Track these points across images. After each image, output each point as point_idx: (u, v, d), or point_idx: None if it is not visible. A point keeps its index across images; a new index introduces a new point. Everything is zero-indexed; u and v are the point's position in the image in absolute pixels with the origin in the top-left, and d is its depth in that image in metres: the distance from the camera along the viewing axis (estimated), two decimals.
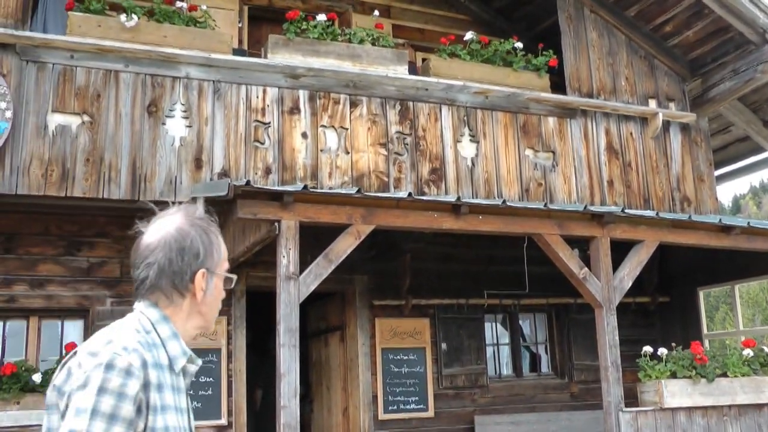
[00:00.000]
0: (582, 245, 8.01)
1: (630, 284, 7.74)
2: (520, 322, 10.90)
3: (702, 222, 8.30)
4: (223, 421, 8.44)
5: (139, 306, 2.15)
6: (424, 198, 7.26)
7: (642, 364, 7.61)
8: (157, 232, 2.16)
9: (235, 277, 2.29)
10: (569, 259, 7.44)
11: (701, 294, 11.14)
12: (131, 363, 1.88)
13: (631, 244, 7.97)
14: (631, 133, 9.95)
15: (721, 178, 12.77)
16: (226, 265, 2.25)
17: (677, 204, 9.92)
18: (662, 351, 7.63)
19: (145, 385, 1.90)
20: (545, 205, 7.51)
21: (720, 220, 8.50)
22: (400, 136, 8.51)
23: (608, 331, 7.44)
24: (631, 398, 7.83)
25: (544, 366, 10.97)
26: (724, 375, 7.88)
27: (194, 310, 2.16)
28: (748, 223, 8.70)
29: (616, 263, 7.78)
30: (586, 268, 7.50)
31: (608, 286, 7.52)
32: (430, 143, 8.64)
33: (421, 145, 8.58)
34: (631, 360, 7.92)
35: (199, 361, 2.18)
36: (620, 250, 7.95)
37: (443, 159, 8.64)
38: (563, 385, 10.64)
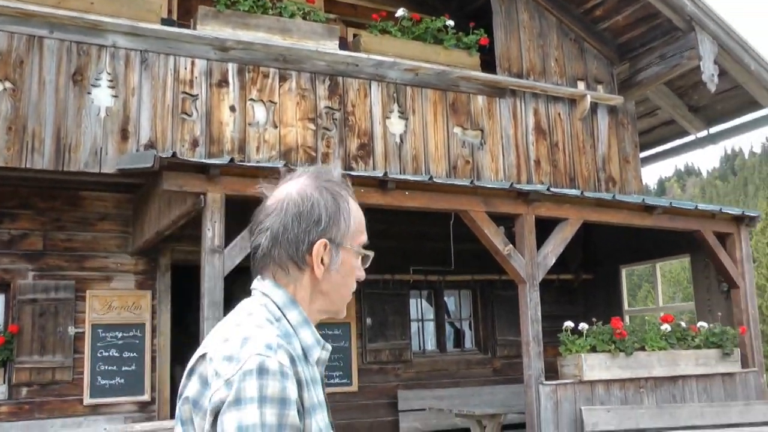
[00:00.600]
0: (507, 223, 8.12)
1: (554, 261, 7.88)
2: (445, 298, 11.03)
3: (625, 201, 8.48)
4: (146, 397, 8.39)
5: (260, 285, 1.80)
6: (351, 173, 7.27)
7: (563, 338, 7.77)
8: (277, 195, 1.84)
9: (371, 254, 1.87)
10: (494, 236, 7.54)
11: (623, 272, 11.41)
12: (281, 362, 1.57)
13: (555, 222, 8.11)
14: (559, 114, 10.09)
15: (647, 160, 13.04)
16: (361, 239, 1.85)
17: (602, 184, 10.11)
18: (583, 326, 7.79)
19: (299, 384, 1.62)
20: (471, 182, 7.59)
21: (643, 200, 8.71)
22: (329, 111, 8.50)
23: (531, 306, 7.58)
24: (553, 372, 8.00)
25: (468, 341, 11.13)
26: (642, 349, 8.10)
27: (316, 289, 1.79)
28: (670, 203, 8.92)
29: (541, 241, 7.91)
30: (511, 245, 7.61)
31: (532, 262, 7.65)
32: (359, 119, 8.64)
33: (350, 121, 8.58)
34: (554, 335, 8.08)
35: (329, 347, 1.83)
36: (545, 228, 8.09)
37: (372, 135, 8.66)
38: (486, 360, 10.81)
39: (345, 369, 9.70)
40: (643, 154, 12.17)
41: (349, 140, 8.52)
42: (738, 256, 9.32)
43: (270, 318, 1.71)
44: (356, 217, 1.83)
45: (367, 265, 1.88)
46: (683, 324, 8.67)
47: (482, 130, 9.34)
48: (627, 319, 10.97)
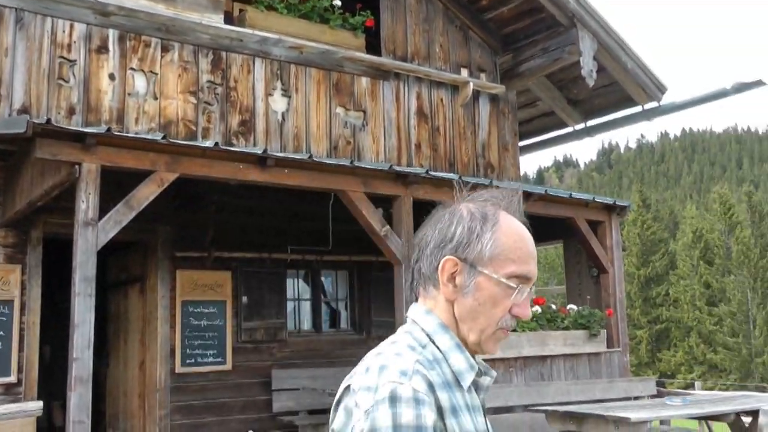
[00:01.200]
0: (386, 205, 8.16)
1: None
2: (322, 278, 11.03)
3: (502, 187, 8.65)
4: (13, 378, 7.99)
5: (411, 312, 1.75)
6: (231, 149, 7.17)
7: None
8: (438, 213, 1.80)
9: (516, 288, 1.68)
10: (372, 217, 7.57)
11: None
12: (416, 389, 1.51)
13: (434, 205, 8.19)
14: (441, 100, 10.21)
15: (526, 149, 13.33)
16: (510, 269, 1.68)
17: (481, 170, 10.30)
18: None
19: (439, 411, 1.53)
20: (351, 162, 7.60)
21: (519, 186, 8.90)
22: (211, 85, 8.37)
23: (406, 287, 7.64)
24: None
25: (344, 322, 11.18)
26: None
27: (451, 312, 1.70)
28: (546, 191, 9.15)
29: (419, 223, 7.98)
30: (388, 226, 7.66)
31: (408, 244, 7.71)
32: (241, 95, 8.54)
33: (232, 96, 8.47)
34: None
35: (493, 373, 1.75)
36: (424, 211, 8.17)
37: (254, 111, 8.57)
38: (361, 341, 10.88)
39: (219, 348, 9.59)
40: (522, 143, 12.44)
41: (230, 116, 8.42)
42: (608, 243, 9.64)
43: (413, 345, 1.64)
44: (504, 244, 1.68)
45: (522, 299, 1.69)
46: (554, 306, 8.94)
47: (365, 112, 9.38)
48: None
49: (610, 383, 8.91)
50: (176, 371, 9.23)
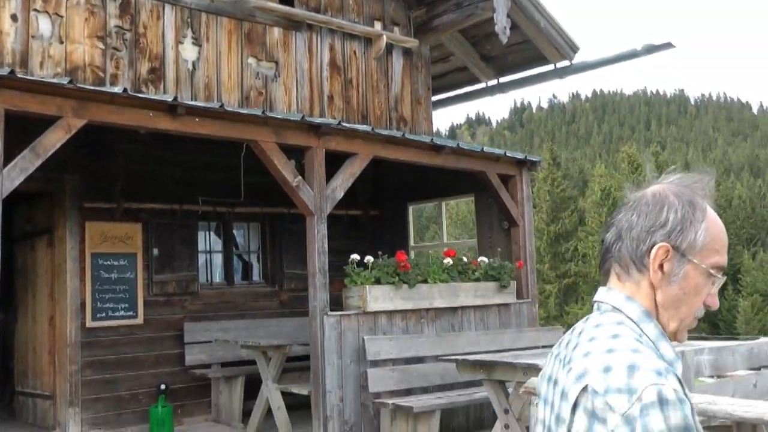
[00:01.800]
0: (299, 157, 8.11)
1: (342, 194, 7.96)
2: (234, 230, 10.95)
3: (415, 140, 8.68)
4: None
5: (609, 298, 1.71)
6: (140, 95, 7.00)
7: (348, 270, 7.90)
8: (636, 194, 1.77)
9: (723, 279, 1.70)
10: (284, 167, 7.52)
11: (410, 209, 11.74)
12: (675, 389, 1.46)
13: (346, 156, 8.18)
14: (354, 52, 10.15)
15: (439, 104, 13.37)
16: (715, 260, 1.67)
17: (394, 123, 10.31)
18: (369, 259, 7.95)
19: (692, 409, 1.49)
20: (263, 112, 7.50)
21: (432, 139, 8.94)
22: (120, 30, 8.14)
23: (318, 238, 7.64)
24: (339, 305, 8.12)
25: (256, 274, 11.14)
26: (425, 282, 8.38)
27: (653, 298, 1.67)
28: (458, 144, 9.21)
29: (331, 175, 7.97)
30: (300, 177, 7.62)
31: (321, 195, 7.70)
32: (151, 42, 8.33)
33: (141, 43, 8.26)
34: (342, 269, 8.16)
35: (680, 361, 1.68)
36: (337, 163, 8.15)
37: (163, 59, 8.38)
38: (274, 293, 10.87)
39: (130, 301, 9.45)
40: (435, 98, 12.47)
41: (139, 63, 8.21)
42: (519, 197, 9.79)
43: (636, 338, 1.60)
44: (713, 233, 1.68)
45: (717, 289, 1.70)
46: (465, 258, 9.05)
47: (277, 63, 9.26)
48: (412, 254, 11.32)
49: (519, 333, 9.10)
50: (87, 326, 9.07)
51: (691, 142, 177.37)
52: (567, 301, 67.08)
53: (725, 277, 1.71)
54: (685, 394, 1.49)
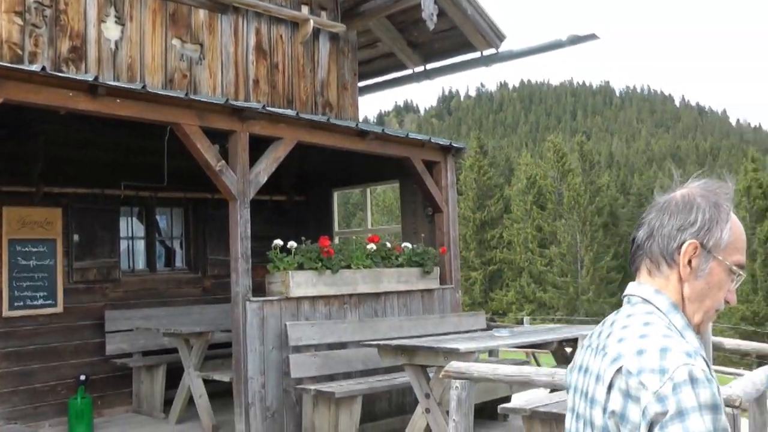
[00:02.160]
0: (223, 142, 8.02)
1: (266, 179, 7.90)
2: (157, 215, 10.79)
3: (339, 125, 8.66)
4: None
5: (640, 291, 1.88)
6: (60, 74, 6.81)
7: (271, 255, 7.85)
8: (665, 197, 1.92)
9: (744, 275, 1.87)
10: (207, 151, 7.43)
11: (335, 195, 11.73)
12: (703, 369, 1.62)
13: (271, 141, 8.12)
14: (281, 36, 10.06)
15: (365, 90, 13.36)
16: (737, 258, 1.85)
17: (320, 108, 10.26)
18: (292, 244, 7.92)
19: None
20: (186, 94, 7.39)
21: (357, 125, 8.94)
22: (39, 7, 7.90)
23: (241, 223, 7.58)
24: (262, 292, 8.07)
25: (179, 260, 11.00)
26: (348, 267, 8.38)
27: (680, 291, 1.84)
28: (383, 130, 9.21)
29: (256, 160, 7.90)
30: (224, 161, 7.54)
31: (244, 179, 7.63)
32: (72, 19, 8.12)
33: (62, 20, 8.04)
34: (266, 256, 8.10)
35: (703, 349, 1.80)
36: (262, 149, 8.08)
37: (85, 38, 8.18)
38: (196, 280, 10.76)
39: (49, 289, 9.23)
40: (361, 84, 12.45)
41: (60, 41, 8.00)
42: (444, 183, 9.84)
43: (667, 325, 1.76)
44: (735, 233, 1.85)
45: (736, 286, 1.88)
46: (388, 244, 9.08)
47: (202, 45, 9.13)
48: (337, 240, 11.32)
49: (442, 318, 9.18)
50: (3, 315, 8.84)
51: (616, 133, 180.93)
52: (492, 288, 67.86)
53: (745, 274, 1.88)
54: (712, 375, 1.63)
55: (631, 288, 1.92)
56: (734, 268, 1.84)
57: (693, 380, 1.59)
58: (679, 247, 1.83)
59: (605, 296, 64.74)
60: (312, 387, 7.39)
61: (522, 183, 71.64)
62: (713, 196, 1.86)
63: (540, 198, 69.26)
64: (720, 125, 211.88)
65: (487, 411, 8.42)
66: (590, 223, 65.47)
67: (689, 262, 1.82)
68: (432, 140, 9.67)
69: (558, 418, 5.81)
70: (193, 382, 8.51)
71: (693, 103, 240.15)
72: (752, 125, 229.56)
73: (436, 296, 9.46)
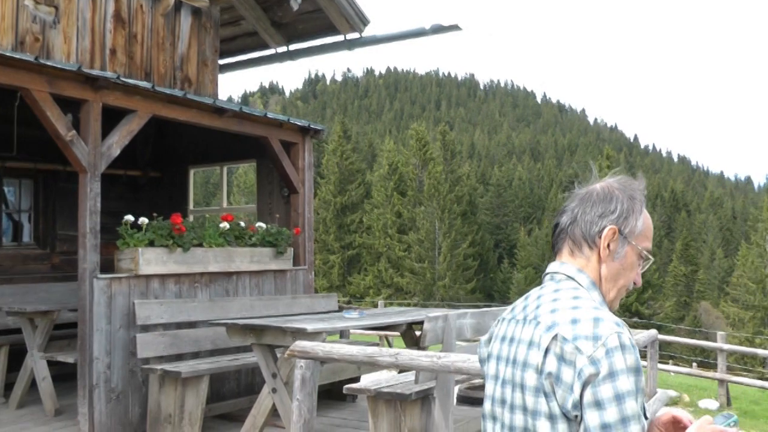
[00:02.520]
0: (76, 112, 7.75)
1: (118, 152, 7.68)
2: (5, 186, 10.33)
3: (196, 100, 8.50)
4: None
5: (564, 269, 2.11)
6: None
7: (121, 231, 7.65)
8: (584, 188, 2.17)
9: (653, 259, 2.15)
10: (57, 120, 7.16)
11: (192, 172, 11.54)
12: (630, 337, 1.87)
13: (126, 114, 7.90)
14: (141, 6, 9.79)
15: (227, 68, 13.16)
16: (646, 245, 2.12)
17: (178, 83, 10.06)
18: (143, 220, 7.73)
19: None
20: (36, 58, 7.09)
21: (214, 101, 8.79)
22: None
23: (90, 197, 7.34)
24: (113, 269, 7.84)
25: (26, 235, 10.57)
26: (201, 245, 8.26)
27: (599, 271, 2.09)
28: (241, 108, 9.10)
29: (109, 130, 7.68)
30: (74, 131, 7.29)
31: (95, 151, 7.40)
32: None
33: None
34: (117, 232, 7.89)
35: None
36: (116, 121, 7.86)
37: None
38: (45, 256, 10.38)
39: None
40: (223, 61, 12.28)
41: None
42: (301, 165, 9.82)
43: (591, 299, 2.00)
44: (647, 223, 2.12)
45: (642, 271, 2.15)
46: (242, 223, 9.00)
47: (57, 8, 8.77)
48: (191, 218, 11.15)
49: (294, 299, 9.18)
50: None
51: (479, 125, 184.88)
52: (350, 272, 68.34)
53: (653, 260, 2.15)
54: (634, 342, 1.87)
55: (553, 266, 2.14)
56: (644, 253, 2.11)
57: (622, 346, 1.83)
58: (600, 231, 2.07)
59: (461, 282, 66.31)
60: (158, 367, 7.26)
61: (384, 169, 72.35)
62: (629, 190, 2.12)
63: (401, 184, 70.16)
64: (579, 123, 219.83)
65: (336, 392, 8.50)
66: (449, 211, 66.79)
67: (608, 245, 2.07)
68: (290, 120, 9.62)
69: (402, 399, 5.93)
70: (36, 364, 8.20)
71: (554, 101, 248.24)
72: (609, 125, 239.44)
73: (289, 277, 9.45)
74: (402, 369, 7.71)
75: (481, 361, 2.25)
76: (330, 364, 7.40)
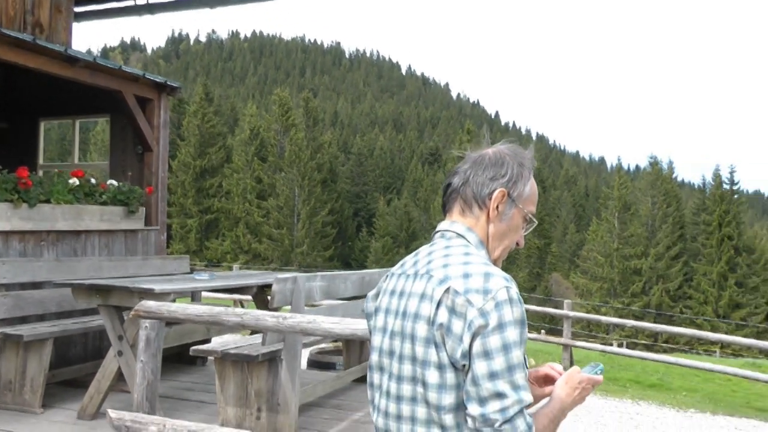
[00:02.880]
0: None
1: None
2: None
3: (45, 47, 8.02)
4: None
5: (454, 228, 2.20)
6: None
7: None
8: (477, 153, 2.27)
9: (536, 222, 2.29)
10: None
11: (42, 125, 10.99)
12: (517, 291, 1.99)
13: None
14: None
15: (83, 16, 12.55)
16: (531, 209, 2.25)
17: (29, 28, 9.49)
18: None
19: None
20: None
21: (66, 49, 8.35)
22: None
23: None
24: None
25: None
26: (48, 202, 7.85)
27: (486, 230, 2.20)
28: (94, 58, 8.68)
29: None
30: None
31: None
32: None
33: None
34: None
35: None
36: None
37: None
38: None
39: None
40: (79, 9, 11.70)
41: None
42: (156, 122, 9.48)
43: (480, 256, 2.11)
44: (533, 189, 2.25)
45: (526, 233, 2.27)
46: (93, 180, 8.61)
47: None
48: (41, 173, 10.62)
49: (145, 260, 8.88)
50: None
51: (342, 93, 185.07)
52: (208, 237, 67.42)
53: (536, 223, 2.29)
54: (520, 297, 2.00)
55: (444, 225, 2.23)
56: (529, 216, 2.24)
57: (510, 300, 1.94)
58: (491, 193, 2.18)
59: (319, 250, 66.48)
60: None
61: (245, 134, 71.51)
62: (519, 157, 2.24)
63: (262, 150, 69.55)
64: (442, 97, 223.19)
65: (186, 356, 8.29)
66: (309, 179, 66.71)
67: (497, 206, 2.18)
68: (146, 76, 9.24)
69: (249, 360, 5.81)
70: None
71: (418, 73, 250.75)
72: (471, 100, 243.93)
73: (140, 238, 9.13)
74: (252, 331, 7.62)
75: (368, 316, 2.31)
76: (179, 326, 7.21)
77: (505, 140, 2.34)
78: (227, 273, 9.72)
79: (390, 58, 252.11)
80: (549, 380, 2.29)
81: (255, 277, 7.82)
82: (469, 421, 1.94)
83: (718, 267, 58.80)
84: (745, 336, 36.83)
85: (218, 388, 6.05)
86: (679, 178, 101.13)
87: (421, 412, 2.02)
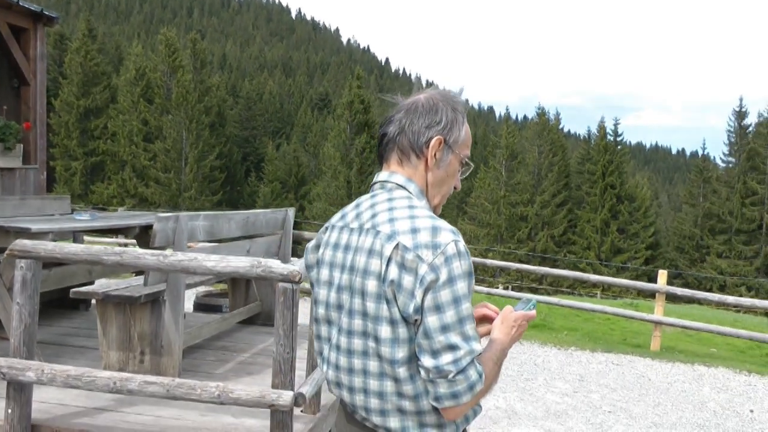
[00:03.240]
0: None
1: None
2: None
3: None
4: None
5: (394, 178, 2.18)
6: None
7: None
8: (409, 100, 2.23)
9: (472, 165, 2.28)
10: None
11: None
12: (464, 244, 2.01)
13: None
14: None
15: None
16: (466, 153, 2.25)
17: None
18: None
19: None
20: None
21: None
22: None
23: None
24: None
25: None
26: None
27: (425, 179, 2.19)
28: None
29: None
30: None
31: None
32: None
33: None
34: None
35: None
36: None
37: None
38: None
39: None
40: None
41: None
42: (32, 54, 8.98)
43: (424, 207, 2.12)
44: (467, 133, 2.24)
45: (465, 175, 2.29)
46: None
47: None
48: None
49: (23, 200, 8.41)
50: None
51: (231, 36, 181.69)
52: (93, 180, 65.60)
53: (473, 165, 2.28)
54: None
55: (383, 176, 2.21)
56: (465, 160, 2.25)
57: (459, 254, 1.98)
58: (428, 142, 2.16)
59: (207, 194, 65.55)
60: None
61: (131, 74, 69.30)
62: (452, 102, 2.21)
63: (148, 91, 67.68)
64: (332, 42, 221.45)
65: (68, 301, 7.96)
66: (197, 122, 65.40)
67: (435, 154, 2.17)
68: (20, 3, 8.70)
69: (131, 302, 5.59)
70: None
71: (308, 17, 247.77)
72: (362, 46, 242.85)
73: (18, 176, 8.68)
74: (136, 272, 7.36)
75: (309, 267, 2.31)
76: (59, 269, 6.90)
77: (433, 86, 2.31)
78: (109, 213, 9.37)
79: (279, 2, 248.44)
80: (486, 320, 2.32)
81: (138, 218, 7.53)
82: (423, 372, 1.99)
83: (601, 214, 60.92)
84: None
85: (100, 332, 5.80)
86: (565, 129, 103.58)
87: (373, 365, 2.06)
